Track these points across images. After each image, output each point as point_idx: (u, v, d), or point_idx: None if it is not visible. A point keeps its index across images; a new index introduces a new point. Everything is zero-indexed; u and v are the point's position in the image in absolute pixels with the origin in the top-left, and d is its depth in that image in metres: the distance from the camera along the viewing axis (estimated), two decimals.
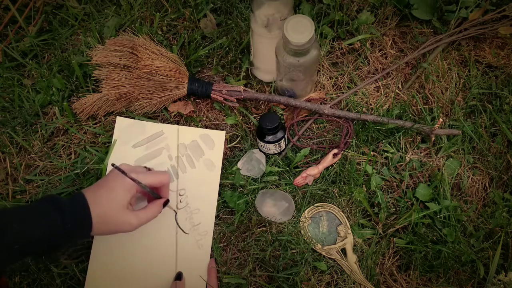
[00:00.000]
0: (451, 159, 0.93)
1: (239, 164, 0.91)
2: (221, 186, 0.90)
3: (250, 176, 0.91)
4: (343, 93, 0.98)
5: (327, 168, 0.91)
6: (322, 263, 0.86)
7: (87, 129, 0.95)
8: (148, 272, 0.85)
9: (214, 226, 0.88)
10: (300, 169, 0.92)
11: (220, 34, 1.02)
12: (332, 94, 0.98)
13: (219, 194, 0.89)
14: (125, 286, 0.84)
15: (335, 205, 0.89)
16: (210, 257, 0.86)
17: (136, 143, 0.92)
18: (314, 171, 0.89)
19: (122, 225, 0.74)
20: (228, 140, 0.94)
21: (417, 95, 0.98)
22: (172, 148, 0.92)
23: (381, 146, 0.94)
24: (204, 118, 0.96)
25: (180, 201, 0.88)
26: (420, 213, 0.88)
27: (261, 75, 0.98)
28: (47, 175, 0.92)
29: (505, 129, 0.94)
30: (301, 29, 0.80)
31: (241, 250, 0.87)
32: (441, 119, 0.90)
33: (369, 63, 1.02)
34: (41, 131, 0.94)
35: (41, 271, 0.84)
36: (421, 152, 0.94)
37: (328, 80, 1.00)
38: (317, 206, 0.89)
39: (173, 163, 0.91)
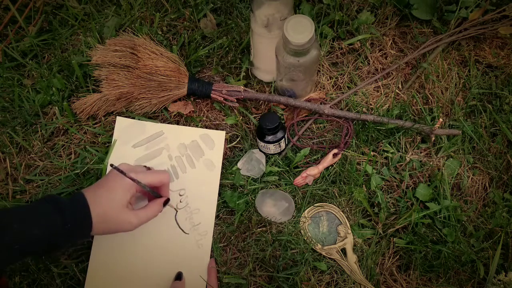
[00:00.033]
0: (451, 159, 0.93)
1: (239, 164, 0.91)
2: (221, 186, 0.90)
3: (250, 176, 0.91)
4: (343, 93, 0.98)
5: (327, 168, 0.91)
6: (322, 263, 0.86)
7: (87, 129, 0.95)
8: (148, 272, 0.85)
9: (214, 226, 0.88)
10: (300, 169, 0.92)
11: (220, 34, 1.02)
12: (332, 94, 0.98)
13: (219, 194, 0.89)
14: (125, 286, 0.84)
15: (335, 205, 0.89)
16: (210, 257, 0.86)
17: (136, 143, 0.92)
18: (314, 171, 0.89)
19: (122, 224, 0.74)
20: (228, 140, 0.94)
21: (417, 95, 0.98)
22: (172, 148, 0.92)
23: (381, 146, 0.94)
24: (204, 118, 0.96)
25: (180, 201, 0.88)
26: (420, 213, 0.88)
27: (261, 75, 0.98)
28: (47, 175, 0.92)
29: (505, 129, 0.94)
30: (301, 29, 0.80)
31: (241, 250, 0.87)
32: (441, 119, 0.90)
33: (369, 63, 1.02)
34: (41, 131, 0.94)
35: (41, 271, 0.84)
36: (421, 152, 0.94)
37: (328, 80, 1.00)
38: (317, 206, 0.89)
39: (173, 163, 0.91)
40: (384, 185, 0.92)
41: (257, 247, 0.86)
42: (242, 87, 0.94)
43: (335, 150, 0.91)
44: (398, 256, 0.88)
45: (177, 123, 0.96)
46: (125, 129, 0.92)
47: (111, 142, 0.91)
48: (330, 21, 1.03)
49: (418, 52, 0.99)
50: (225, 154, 0.92)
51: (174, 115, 0.96)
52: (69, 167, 0.92)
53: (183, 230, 0.87)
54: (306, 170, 0.89)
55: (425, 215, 0.88)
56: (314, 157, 0.94)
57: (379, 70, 1.01)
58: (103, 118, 0.95)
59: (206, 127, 0.95)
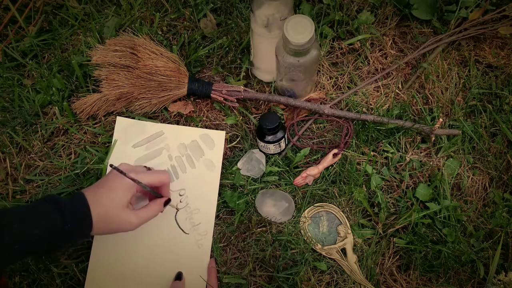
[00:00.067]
0: (451, 159, 0.93)
1: (239, 164, 0.91)
2: (221, 186, 0.90)
3: (250, 176, 0.91)
4: (343, 93, 0.98)
5: (327, 168, 0.91)
6: (322, 263, 0.86)
7: (87, 129, 0.95)
8: (148, 272, 0.85)
9: (214, 226, 0.88)
10: (300, 169, 0.92)
11: (220, 34, 1.02)
12: (332, 94, 0.98)
13: (219, 194, 0.89)
14: (125, 286, 0.84)
15: (335, 205, 0.89)
16: (210, 257, 0.86)
17: (136, 143, 0.92)
18: (314, 171, 0.89)
19: (122, 224, 0.74)
20: (228, 140, 0.94)
21: (417, 95, 0.98)
22: (172, 148, 0.92)
23: (381, 146, 0.94)
24: (204, 118, 0.96)
25: (180, 201, 0.88)
26: (420, 213, 0.88)
27: (261, 75, 0.98)
28: (47, 175, 0.92)
29: (505, 129, 0.94)
30: (301, 29, 0.80)
31: (241, 250, 0.87)
32: (441, 119, 0.90)
33: (369, 63, 1.02)
34: (41, 131, 0.94)
35: (41, 271, 0.84)
36: (421, 152, 0.94)
37: (328, 80, 1.00)
38: (317, 206, 0.89)
39: (173, 163, 0.91)
40: (384, 185, 0.92)
41: (257, 247, 0.86)
42: (242, 87, 0.94)
43: (335, 150, 0.91)
44: (398, 256, 0.88)
45: (177, 123, 0.96)
46: (125, 129, 0.92)
47: (111, 142, 0.91)
48: (330, 21, 1.03)
49: (418, 52, 0.99)
50: (225, 154, 0.92)
51: (174, 115, 0.96)
52: (69, 167, 0.92)
53: (183, 230, 0.87)
54: (306, 170, 0.89)
55: (425, 215, 0.88)
56: (314, 157, 0.94)
57: (379, 70, 1.01)
58: (103, 118, 0.95)
59: (206, 127, 0.95)
